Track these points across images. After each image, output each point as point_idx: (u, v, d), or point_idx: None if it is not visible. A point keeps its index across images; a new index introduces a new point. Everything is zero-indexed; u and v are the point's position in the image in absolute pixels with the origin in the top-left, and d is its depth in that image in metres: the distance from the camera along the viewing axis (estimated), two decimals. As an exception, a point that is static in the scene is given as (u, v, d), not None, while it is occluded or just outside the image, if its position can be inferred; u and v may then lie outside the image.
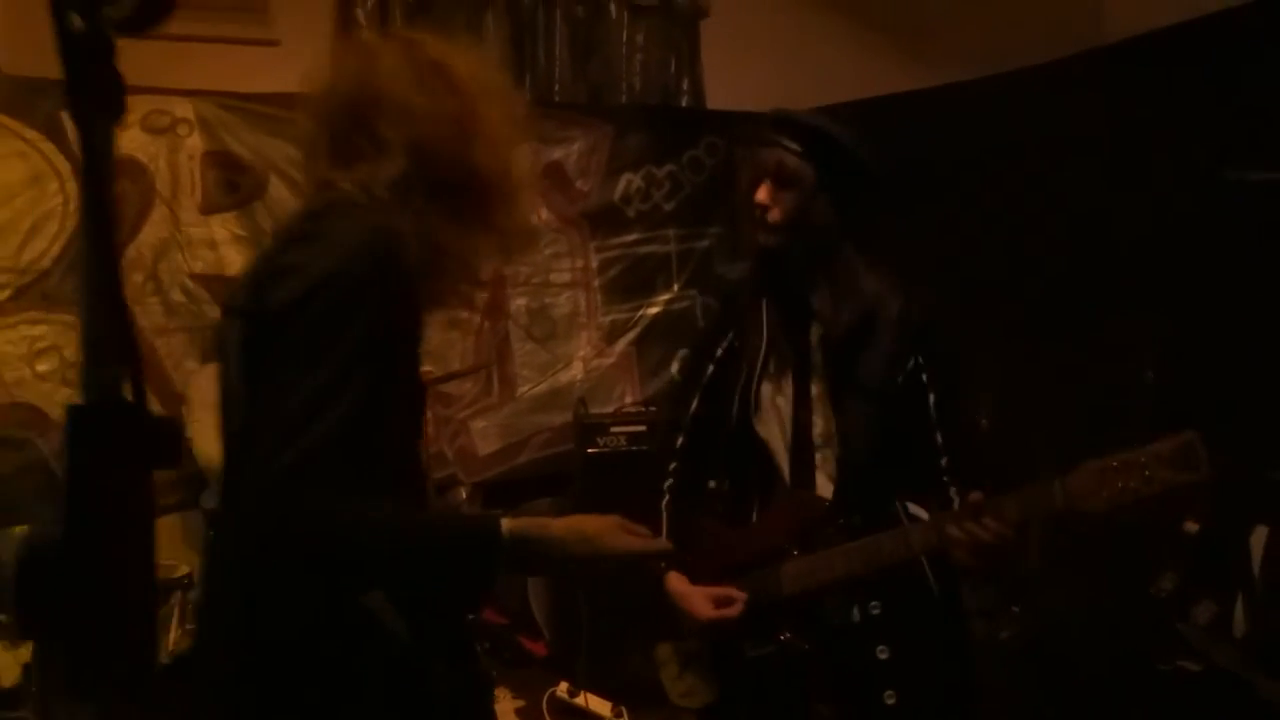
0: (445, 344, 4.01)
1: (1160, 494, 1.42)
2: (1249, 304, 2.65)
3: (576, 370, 4.12)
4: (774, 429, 1.76)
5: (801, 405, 1.74)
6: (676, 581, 1.78)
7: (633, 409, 3.96)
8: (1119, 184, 2.97)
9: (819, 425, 1.73)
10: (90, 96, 0.71)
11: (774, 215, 1.69)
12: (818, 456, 1.73)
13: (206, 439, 3.45)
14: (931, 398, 1.70)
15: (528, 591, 3.73)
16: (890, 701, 1.66)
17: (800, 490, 1.74)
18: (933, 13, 4.26)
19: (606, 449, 3.48)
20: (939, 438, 1.70)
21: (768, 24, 4.39)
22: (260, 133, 3.75)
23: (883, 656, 1.67)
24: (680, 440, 1.89)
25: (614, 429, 3.50)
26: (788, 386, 1.76)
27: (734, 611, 1.70)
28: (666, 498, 1.88)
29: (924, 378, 1.71)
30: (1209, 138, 2.71)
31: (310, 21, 3.82)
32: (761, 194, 1.69)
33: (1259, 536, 2.49)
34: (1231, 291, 2.68)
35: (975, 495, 1.56)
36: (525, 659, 3.64)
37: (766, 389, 1.77)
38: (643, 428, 3.57)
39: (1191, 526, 2.56)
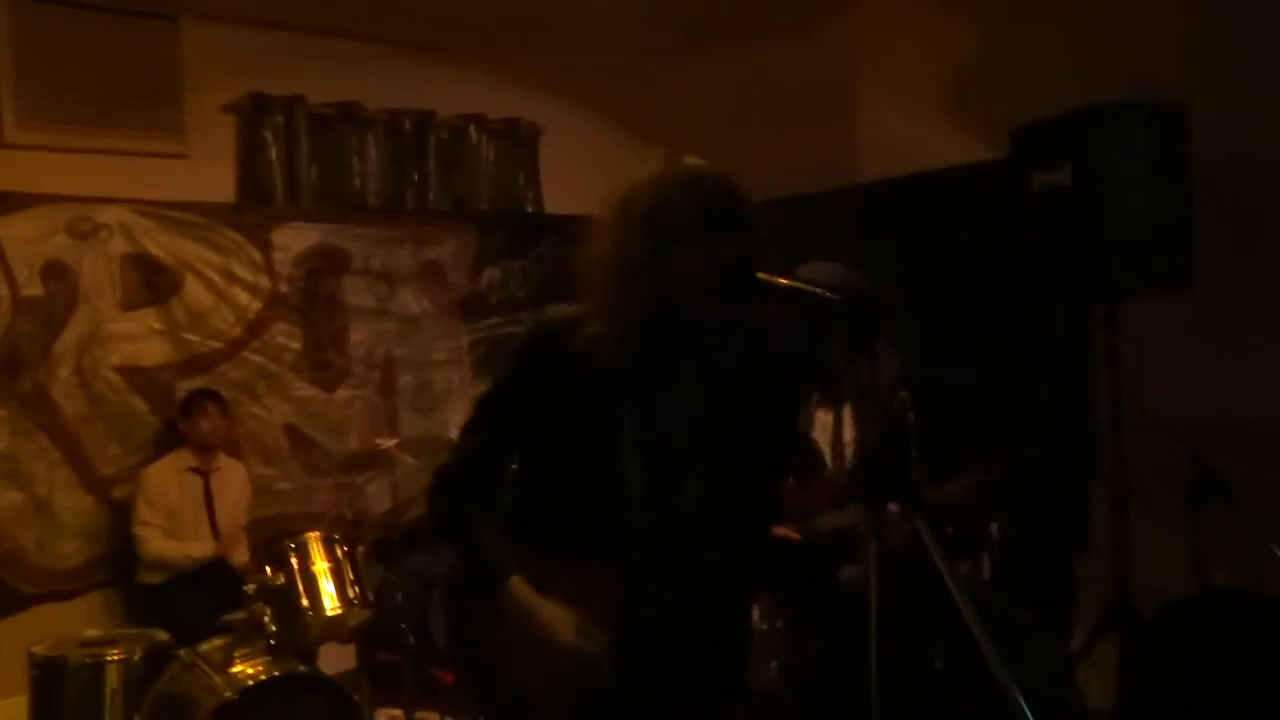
0: (345, 420, 4.56)
1: None
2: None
3: (454, 436, 4.79)
4: None
5: None
6: None
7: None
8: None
9: None
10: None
11: None
12: None
13: (155, 537, 3.83)
14: None
15: (430, 629, 4.32)
16: None
17: None
18: (717, 142, 5.43)
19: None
20: None
21: (588, 142, 5.37)
22: (175, 235, 4.16)
23: None
24: None
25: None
26: None
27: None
28: None
29: None
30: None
31: (217, 139, 4.30)
32: None
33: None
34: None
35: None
36: (436, 687, 4.22)
37: None
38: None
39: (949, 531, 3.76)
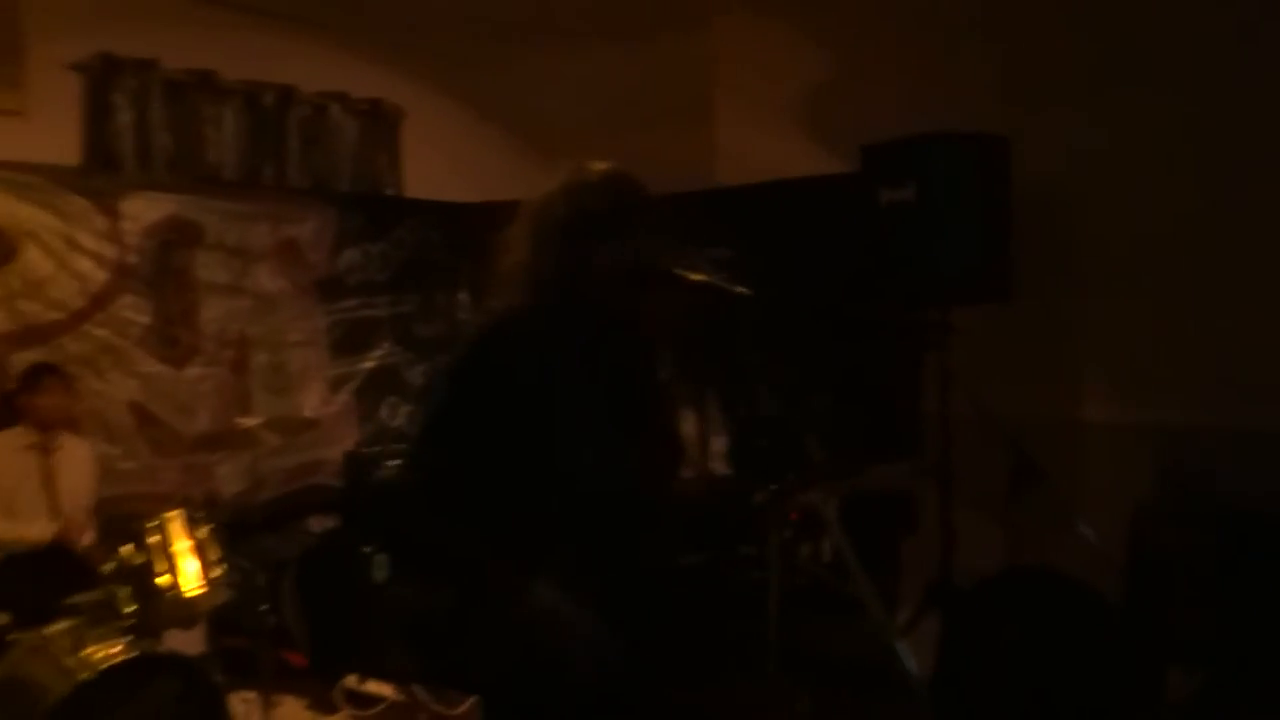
0: (195, 398, 4.41)
1: None
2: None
3: (309, 416, 4.74)
4: None
5: None
6: None
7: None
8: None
9: None
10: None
11: None
12: None
13: None
14: None
15: (281, 611, 4.25)
16: None
17: None
18: (577, 137, 5.55)
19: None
20: None
21: (450, 128, 5.38)
22: (9, 197, 3.91)
23: None
24: None
25: (387, 462, 4.28)
26: None
27: None
28: None
29: None
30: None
31: (61, 98, 4.06)
32: None
33: (832, 505, 4.11)
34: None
35: None
36: (287, 670, 4.16)
37: None
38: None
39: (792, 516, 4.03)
